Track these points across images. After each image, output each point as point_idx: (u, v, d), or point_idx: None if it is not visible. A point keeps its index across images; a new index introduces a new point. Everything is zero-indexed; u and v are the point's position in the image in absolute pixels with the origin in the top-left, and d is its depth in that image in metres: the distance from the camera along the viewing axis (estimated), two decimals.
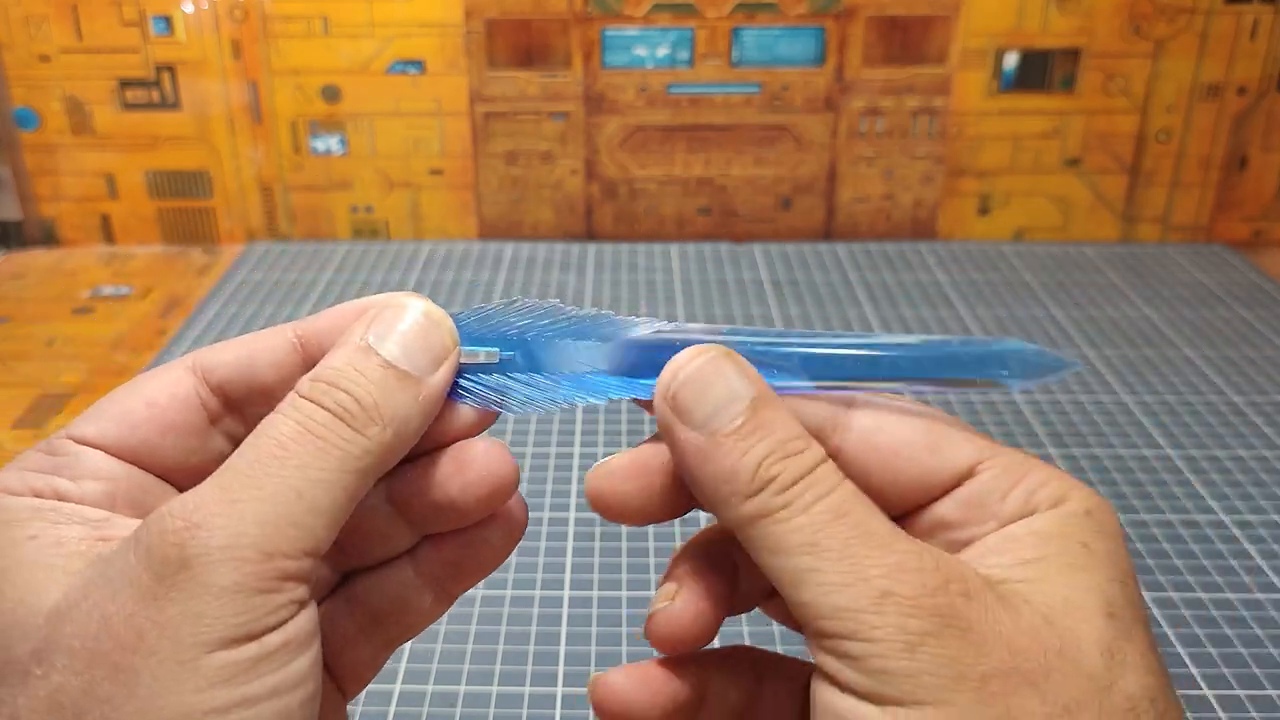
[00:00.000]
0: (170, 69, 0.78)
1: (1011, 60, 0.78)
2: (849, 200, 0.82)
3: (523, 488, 0.52)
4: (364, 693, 0.40)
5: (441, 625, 0.43)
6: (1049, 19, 0.77)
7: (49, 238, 0.83)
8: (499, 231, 0.83)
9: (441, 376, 0.23)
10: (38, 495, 0.22)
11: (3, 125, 0.79)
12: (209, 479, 0.21)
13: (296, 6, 0.76)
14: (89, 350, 0.67)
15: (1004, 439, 0.56)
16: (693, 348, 0.23)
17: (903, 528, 0.23)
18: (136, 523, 0.21)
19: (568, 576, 0.46)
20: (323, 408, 0.22)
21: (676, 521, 0.50)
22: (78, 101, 0.79)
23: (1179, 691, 0.40)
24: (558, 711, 0.39)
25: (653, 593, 0.45)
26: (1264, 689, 0.40)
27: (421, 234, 0.83)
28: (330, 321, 0.24)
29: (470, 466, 0.24)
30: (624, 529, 0.49)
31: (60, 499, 0.22)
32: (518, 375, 0.25)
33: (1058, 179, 0.81)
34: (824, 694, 0.21)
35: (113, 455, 0.23)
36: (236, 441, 0.23)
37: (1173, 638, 0.43)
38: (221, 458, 0.23)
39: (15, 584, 0.20)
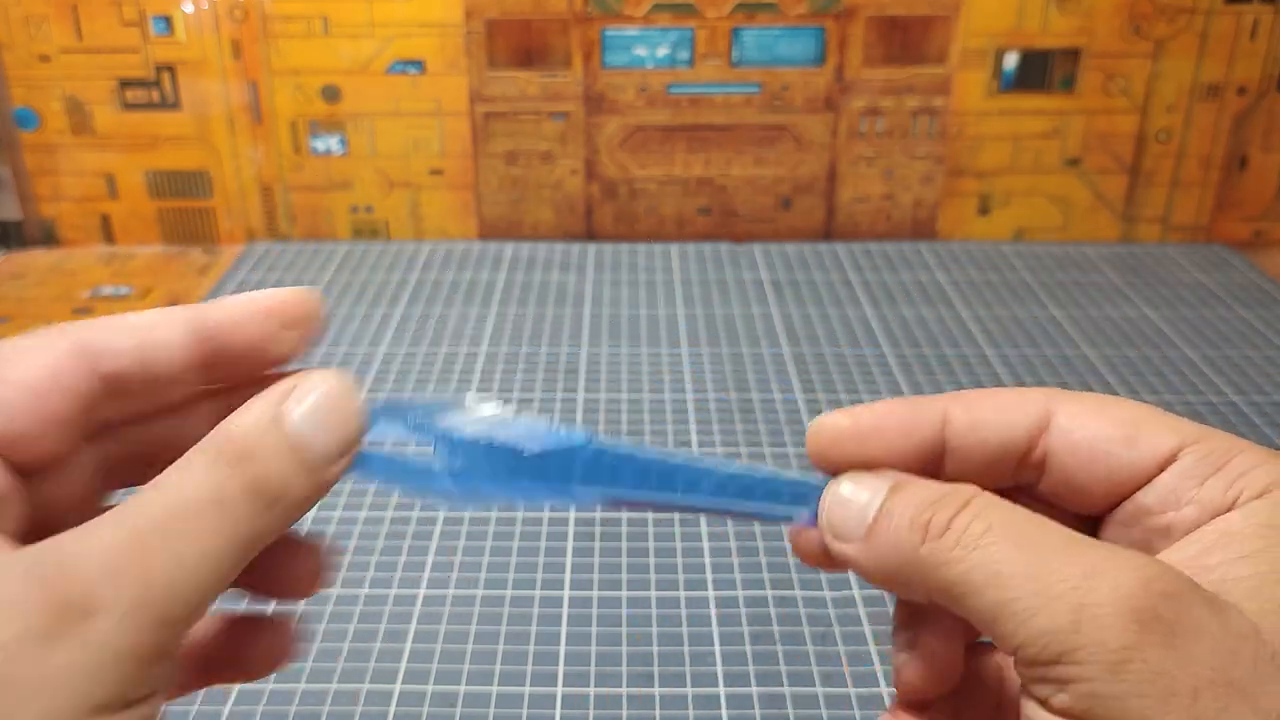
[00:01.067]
0: (170, 69, 0.78)
1: (1011, 60, 0.78)
2: (849, 200, 0.82)
3: None
4: (364, 693, 0.40)
5: (441, 625, 0.43)
6: (1049, 19, 0.77)
7: (49, 238, 0.83)
8: (499, 231, 0.83)
9: (340, 468, 0.22)
10: None
11: (3, 125, 0.79)
12: (118, 519, 0.20)
13: (296, 6, 0.76)
14: None
15: None
16: (835, 480, 0.24)
17: (1107, 522, 0.23)
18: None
19: (568, 576, 0.46)
20: (236, 480, 0.21)
21: (677, 523, 0.50)
22: (78, 101, 0.79)
23: None
24: (558, 711, 0.39)
25: (653, 593, 0.45)
26: None
27: (421, 234, 0.83)
28: (233, 314, 0.23)
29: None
30: (624, 529, 0.49)
31: None
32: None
33: (1058, 179, 0.81)
34: (1038, 716, 0.20)
35: None
36: (98, 429, 0.23)
37: None
38: (75, 449, 0.22)
39: None
